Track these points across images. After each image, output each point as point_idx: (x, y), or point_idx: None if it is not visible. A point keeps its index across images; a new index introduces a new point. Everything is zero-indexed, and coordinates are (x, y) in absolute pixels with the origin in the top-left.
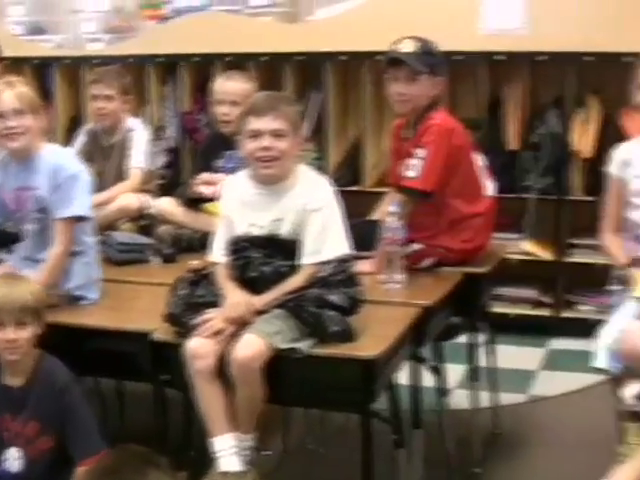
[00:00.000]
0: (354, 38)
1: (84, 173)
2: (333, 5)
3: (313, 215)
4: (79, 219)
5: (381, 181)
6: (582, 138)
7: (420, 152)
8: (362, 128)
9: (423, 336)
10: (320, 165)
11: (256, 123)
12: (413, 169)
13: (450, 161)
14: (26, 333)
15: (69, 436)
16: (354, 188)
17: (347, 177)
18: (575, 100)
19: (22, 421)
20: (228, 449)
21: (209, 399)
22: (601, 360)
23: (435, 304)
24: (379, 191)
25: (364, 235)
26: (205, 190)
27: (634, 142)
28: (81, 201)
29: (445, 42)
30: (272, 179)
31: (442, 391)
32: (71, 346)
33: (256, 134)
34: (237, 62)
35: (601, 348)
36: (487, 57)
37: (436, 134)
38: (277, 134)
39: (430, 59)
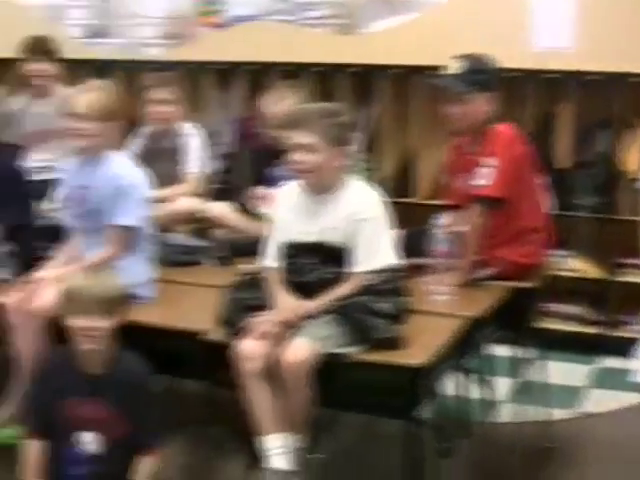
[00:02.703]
0: (408, 51)
1: (141, 184)
2: (388, 18)
3: (362, 224)
4: (129, 228)
5: (433, 193)
6: (630, 158)
7: (490, 161)
8: (415, 140)
9: (468, 347)
10: (371, 176)
11: (288, 137)
12: (484, 178)
13: (516, 168)
14: (105, 323)
15: (136, 427)
16: (406, 200)
17: (400, 189)
18: (623, 120)
19: (94, 406)
20: (277, 448)
21: (257, 399)
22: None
23: (481, 316)
24: (431, 203)
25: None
26: (261, 207)
27: None
28: (133, 211)
29: (501, 59)
30: (319, 188)
31: (489, 403)
32: (125, 342)
33: (290, 147)
34: (291, 71)
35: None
36: (538, 75)
37: (503, 143)
38: (306, 148)
39: (478, 77)
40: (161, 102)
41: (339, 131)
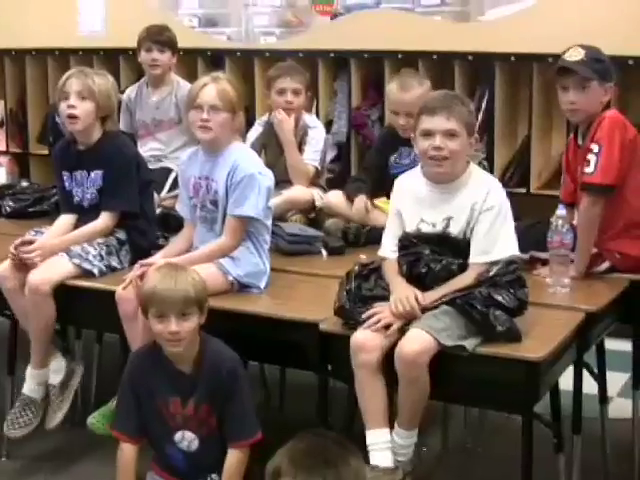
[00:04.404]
0: (524, 39)
1: (263, 175)
2: (504, 6)
3: (484, 215)
4: (249, 218)
5: (549, 184)
6: None
7: (595, 147)
8: (530, 130)
9: (587, 341)
10: (487, 166)
11: (429, 122)
12: (590, 165)
13: (625, 154)
14: (188, 324)
15: (226, 416)
16: (521, 190)
17: (514, 178)
18: None
19: (193, 405)
20: (381, 444)
21: (370, 392)
22: None
23: (600, 310)
24: (546, 194)
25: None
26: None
27: None
28: (254, 202)
29: (616, 46)
30: (443, 178)
31: (603, 398)
32: (238, 332)
33: (428, 133)
34: (407, 60)
35: None
36: None
37: (608, 128)
38: (449, 134)
39: (598, 66)
40: (291, 92)
41: (471, 119)
